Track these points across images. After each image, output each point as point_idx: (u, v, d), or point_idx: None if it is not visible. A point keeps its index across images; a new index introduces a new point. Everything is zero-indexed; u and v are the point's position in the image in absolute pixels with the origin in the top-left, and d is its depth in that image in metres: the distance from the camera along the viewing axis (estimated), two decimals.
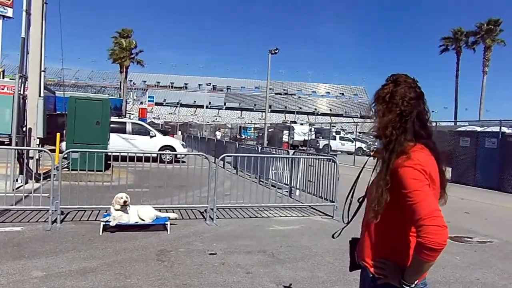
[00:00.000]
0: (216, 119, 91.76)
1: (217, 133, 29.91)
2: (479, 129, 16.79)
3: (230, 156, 11.17)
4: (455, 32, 41.07)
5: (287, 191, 9.92)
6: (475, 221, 8.66)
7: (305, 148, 32.04)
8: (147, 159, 8.42)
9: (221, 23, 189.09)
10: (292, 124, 43.06)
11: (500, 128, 15.46)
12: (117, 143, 15.14)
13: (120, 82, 50.77)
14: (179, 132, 53.34)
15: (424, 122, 1.86)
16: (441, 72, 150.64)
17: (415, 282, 1.71)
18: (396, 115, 1.80)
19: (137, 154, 8.11)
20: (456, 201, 11.62)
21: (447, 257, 5.76)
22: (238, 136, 42.29)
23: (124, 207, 6.10)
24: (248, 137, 50.79)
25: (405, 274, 1.71)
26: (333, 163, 8.20)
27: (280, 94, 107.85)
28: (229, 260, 5.07)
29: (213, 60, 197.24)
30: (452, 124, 26.84)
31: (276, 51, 31.39)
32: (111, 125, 16.37)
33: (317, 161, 9.01)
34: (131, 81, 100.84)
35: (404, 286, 1.71)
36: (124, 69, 47.33)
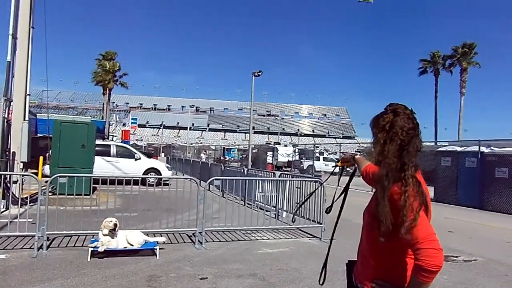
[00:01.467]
0: (200, 140, 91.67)
1: (202, 155, 29.92)
2: (459, 149, 17.19)
3: (218, 179, 11.15)
4: (433, 55, 42.44)
5: (274, 213, 9.96)
6: (459, 240, 8.81)
7: (289, 169, 32.16)
8: (132, 182, 8.39)
9: (204, 44, 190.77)
10: (276, 145, 43.27)
11: (479, 148, 15.86)
12: (101, 166, 15.02)
13: (103, 104, 50.43)
14: (162, 154, 53.07)
15: (418, 151, 1.96)
16: (421, 93, 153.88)
17: None
18: (397, 145, 1.90)
19: (124, 178, 8.12)
20: (440, 220, 11.82)
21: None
22: (222, 158, 42.19)
23: (113, 231, 6.05)
24: (232, 159, 50.77)
25: None
26: (319, 185, 8.29)
27: (263, 115, 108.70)
28: (220, 285, 5.06)
29: (196, 81, 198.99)
30: (433, 144, 27.35)
31: (260, 74, 31.85)
32: (96, 148, 16.32)
33: (303, 183, 9.09)
34: (113, 103, 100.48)
35: None
36: (107, 91, 47.16)
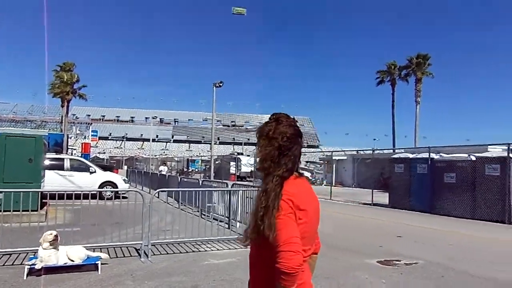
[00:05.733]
0: (164, 152, 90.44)
1: (162, 167, 29.54)
2: (411, 155, 17.80)
3: (164, 191, 11.08)
4: (389, 66, 43.97)
5: (227, 223, 9.98)
6: (405, 244, 9.09)
7: (252, 179, 32.28)
8: (86, 196, 8.16)
9: (167, 55, 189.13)
10: (239, 156, 43.37)
11: (429, 154, 16.52)
12: (54, 180, 14.60)
13: (62, 117, 49.03)
14: (125, 167, 52.01)
15: (297, 157, 2.06)
16: (381, 102, 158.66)
17: None
18: (275, 149, 1.98)
19: (75, 192, 7.94)
20: (391, 226, 12.20)
21: (374, 281, 6.05)
22: (185, 169, 41.86)
23: (54, 244, 5.86)
24: (196, 170, 50.41)
25: None
26: None
27: (228, 126, 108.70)
28: None
29: (160, 93, 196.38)
30: (391, 151, 28.18)
31: (221, 84, 31.95)
32: (49, 162, 15.83)
33: (255, 192, 9.13)
34: (74, 115, 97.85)
35: None
36: (66, 103, 45.92)
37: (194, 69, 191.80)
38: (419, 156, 17.32)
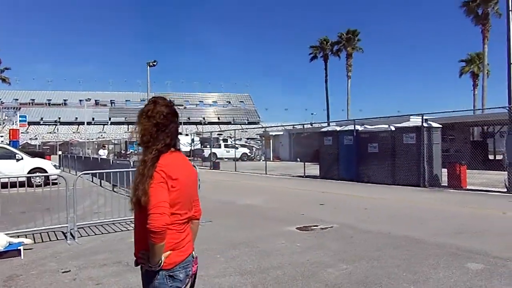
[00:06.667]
0: (102, 135, 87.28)
1: (101, 151, 28.83)
2: (338, 128, 18.79)
3: (88, 173, 11.04)
4: (321, 41, 45.23)
5: None
6: (325, 211, 9.84)
7: (191, 158, 32.37)
8: (13, 185, 7.92)
9: (101, 34, 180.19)
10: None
11: (354, 127, 17.56)
12: None
13: None
14: (60, 152, 49.85)
15: (176, 133, 2.39)
16: (318, 77, 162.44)
17: (159, 263, 2.15)
18: (153, 126, 2.29)
19: None
20: (316, 195, 13.01)
21: (289, 245, 6.62)
22: (123, 152, 40.92)
23: None
24: (135, 152, 49.36)
25: (149, 258, 2.19)
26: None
27: None
28: (82, 275, 5.22)
29: (94, 73, 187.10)
30: (326, 125, 29.38)
31: (155, 64, 31.43)
32: None
33: None
34: None
35: (150, 268, 2.18)
36: None
37: (129, 48, 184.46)
38: (345, 128, 18.34)
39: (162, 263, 2.17)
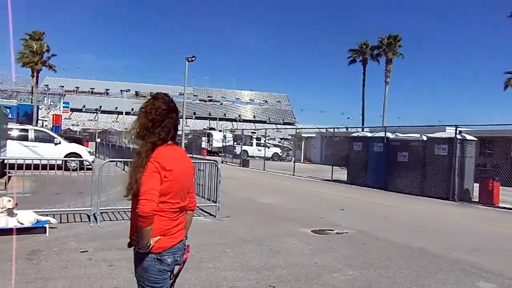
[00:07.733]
0: None
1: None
2: (369, 134, 18.56)
3: (113, 161, 11.42)
4: (361, 45, 44.62)
5: None
6: (344, 216, 9.80)
7: (222, 154, 32.79)
8: (51, 167, 8.42)
9: (144, 28, 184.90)
10: (211, 131, 43.71)
11: (385, 134, 17.31)
12: (18, 150, 14.76)
13: (32, 87, 48.06)
14: (98, 140, 51.62)
15: (175, 128, 2.55)
16: (354, 81, 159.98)
17: (148, 246, 2.32)
18: (149, 121, 2.45)
19: (36, 162, 8.28)
20: (339, 200, 12.94)
21: (299, 246, 6.69)
22: None
23: (8, 211, 6.28)
24: None
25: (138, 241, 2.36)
26: (215, 167, 8.90)
27: (205, 100, 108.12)
28: (98, 256, 5.52)
29: (136, 65, 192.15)
30: (359, 130, 29.04)
31: (193, 59, 31.95)
32: (12, 133, 15.95)
33: (201, 164, 9.59)
34: (46, 85, 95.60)
35: (139, 250, 2.36)
36: (36, 74, 45.01)
37: (171, 43, 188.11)
38: (376, 135, 18.09)
39: (151, 247, 2.34)
